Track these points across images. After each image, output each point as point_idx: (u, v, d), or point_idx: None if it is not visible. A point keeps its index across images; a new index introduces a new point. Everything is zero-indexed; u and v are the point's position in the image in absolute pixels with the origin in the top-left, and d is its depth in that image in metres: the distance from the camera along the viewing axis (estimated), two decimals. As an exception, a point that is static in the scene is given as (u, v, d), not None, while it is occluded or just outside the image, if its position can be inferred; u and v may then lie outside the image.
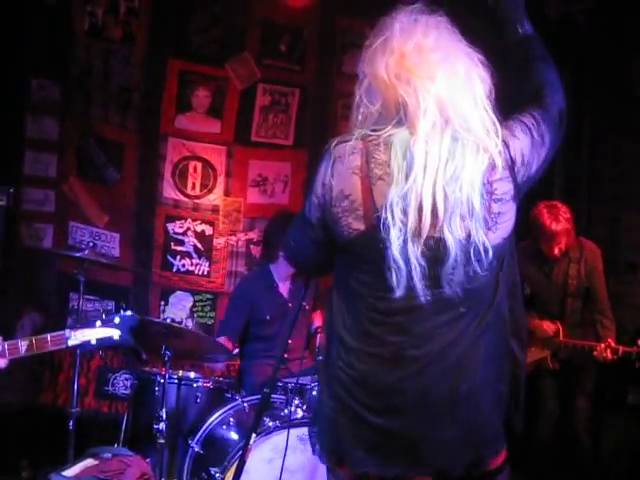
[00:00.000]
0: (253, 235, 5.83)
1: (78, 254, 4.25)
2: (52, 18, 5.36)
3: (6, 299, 4.86)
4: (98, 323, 3.25)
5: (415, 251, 1.93)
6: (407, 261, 1.92)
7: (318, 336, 4.63)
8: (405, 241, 1.92)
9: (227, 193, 5.81)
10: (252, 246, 5.84)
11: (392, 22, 2.03)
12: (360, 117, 2.05)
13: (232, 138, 5.82)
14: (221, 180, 5.78)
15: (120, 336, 3.26)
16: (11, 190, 4.84)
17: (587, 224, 5.57)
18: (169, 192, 5.69)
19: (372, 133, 2.00)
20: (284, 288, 4.72)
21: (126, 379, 5.41)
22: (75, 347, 3.24)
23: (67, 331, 3.18)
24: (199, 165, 5.76)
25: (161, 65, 5.67)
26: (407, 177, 1.93)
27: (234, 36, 5.79)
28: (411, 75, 1.97)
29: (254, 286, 4.72)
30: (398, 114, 1.98)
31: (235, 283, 5.62)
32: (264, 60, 5.85)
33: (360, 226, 1.98)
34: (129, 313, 3.31)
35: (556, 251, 4.79)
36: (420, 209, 1.92)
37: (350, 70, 5.92)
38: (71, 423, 4.22)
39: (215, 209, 5.78)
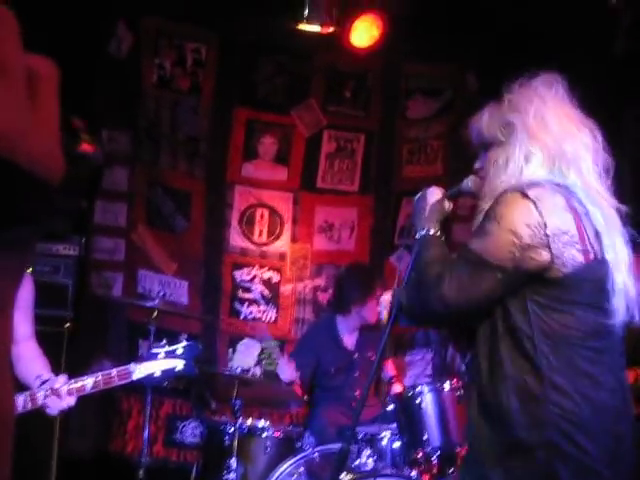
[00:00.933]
0: (320, 281, 5.82)
1: (149, 304, 4.28)
2: (122, 71, 5.50)
3: (77, 346, 4.91)
4: (161, 355, 3.26)
5: (620, 284, 2.11)
6: (618, 294, 2.10)
7: (393, 385, 4.57)
8: (614, 275, 2.10)
9: (294, 240, 5.82)
10: (319, 293, 5.82)
11: (538, 87, 2.25)
12: (511, 171, 2.19)
13: (298, 185, 5.85)
14: (288, 227, 5.80)
15: (184, 365, 3.26)
16: (82, 239, 4.94)
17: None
18: (236, 240, 5.73)
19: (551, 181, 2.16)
20: (349, 340, 4.66)
21: (195, 427, 5.40)
22: (141, 381, 3.25)
23: (132, 365, 3.21)
24: (266, 212, 5.80)
25: (227, 114, 5.76)
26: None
27: (299, 84, 5.86)
28: (561, 139, 2.19)
29: (319, 337, 4.70)
30: (551, 170, 2.17)
31: (302, 330, 5.60)
32: (329, 107, 5.89)
33: (581, 258, 2.07)
34: (191, 343, 3.31)
35: None
36: (615, 250, 2.13)
37: (414, 115, 5.93)
38: (141, 472, 4.21)
39: (282, 256, 5.80)
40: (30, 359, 3.28)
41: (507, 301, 2.08)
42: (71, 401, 3.11)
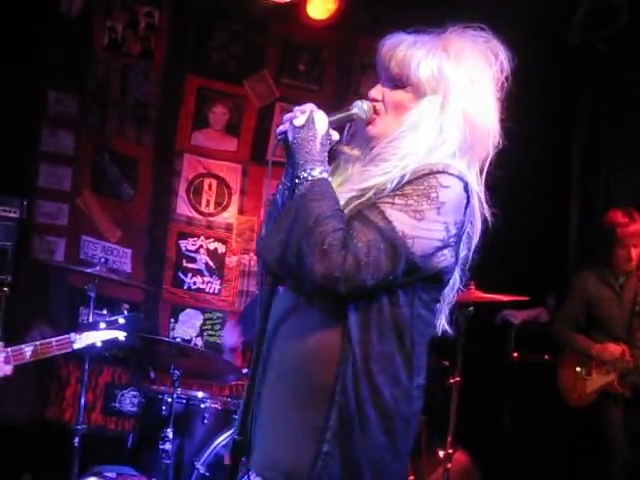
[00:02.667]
0: (266, 254, 5.79)
1: (89, 270, 4.21)
2: (72, 31, 5.36)
3: (16, 312, 4.83)
4: (102, 325, 3.24)
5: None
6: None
7: None
8: None
9: (241, 212, 5.77)
10: (265, 265, 5.80)
11: (488, 56, 1.98)
12: (425, 139, 1.91)
13: (248, 156, 5.80)
14: (236, 198, 5.75)
15: (125, 337, 3.24)
16: (24, 202, 4.83)
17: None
18: (183, 209, 5.66)
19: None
20: None
21: (134, 396, 5.36)
22: (81, 350, 3.21)
23: (72, 335, 3.17)
24: (214, 182, 5.74)
25: (179, 81, 5.66)
26: None
27: (253, 54, 5.78)
28: (483, 135, 1.98)
29: None
30: (455, 156, 1.94)
31: (245, 302, 5.58)
32: (282, 79, 5.83)
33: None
34: (133, 314, 3.28)
35: (633, 254, 4.55)
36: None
37: (367, 91, 5.90)
38: (76, 440, 4.16)
39: (229, 227, 5.75)
40: None
41: (399, 291, 1.84)
42: (8, 370, 3.06)
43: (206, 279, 5.69)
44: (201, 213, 5.70)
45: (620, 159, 5.62)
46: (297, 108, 1.91)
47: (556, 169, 5.80)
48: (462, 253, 1.92)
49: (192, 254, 5.67)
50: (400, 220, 1.77)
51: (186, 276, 5.66)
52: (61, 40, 5.32)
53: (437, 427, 4.68)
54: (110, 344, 3.28)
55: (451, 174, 1.82)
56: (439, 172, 1.81)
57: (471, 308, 4.62)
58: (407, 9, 5.50)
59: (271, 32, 5.79)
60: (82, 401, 4.18)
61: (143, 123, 5.57)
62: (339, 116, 1.96)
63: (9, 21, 5.00)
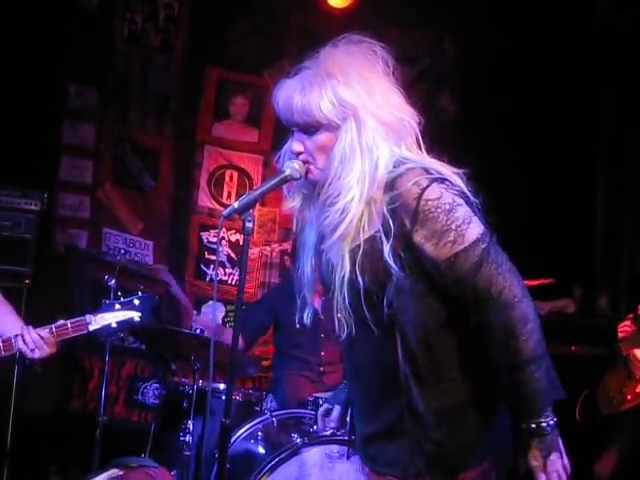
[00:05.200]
0: (287, 246, 5.75)
1: (109, 258, 4.21)
2: (92, 25, 5.37)
3: (38, 305, 4.83)
4: (117, 306, 3.20)
5: None
6: None
7: None
8: None
9: (262, 203, 5.74)
10: (286, 257, 5.76)
11: (368, 58, 2.10)
12: (362, 163, 2.01)
13: (269, 147, 5.77)
14: (257, 190, 5.73)
15: (140, 317, 3.21)
16: (45, 195, 4.83)
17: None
18: (204, 201, 5.66)
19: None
20: (315, 299, 4.60)
21: (156, 388, 5.36)
22: (97, 332, 3.19)
23: (87, 316, 3.14)
24: (235, 174, 5.72)
25: (199, 73, 5.66)
26: None
27: (273, 44, 5.76)
28: (398, 116, 2.08)
29: (282, 294, 4.61)
30: (393, 150, 2.05)
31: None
32: (302, 69, 5.79)
33: None
34: (147, 294, 3.26)
35: None
36: None
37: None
38: (98, 431, 4.16)
39: (250, 219, 5.72)
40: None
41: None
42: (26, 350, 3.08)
43: (228, 270, 5.67)
44: (222, 204, 5.68)
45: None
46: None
47: (582, 156, 5.73)
48: None
49: (214, 246, 5.66)
50: (457, 242, 1.92)
51: (208, 268, 5.65)
52: (81, 33, 5.33)
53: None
54: (125, 324, 3.24)
55: (425, 188, 1.93)
56: (420, 194, 1.93)
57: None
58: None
59: (291, 22, 5.76)
60: (103, 393, 4.18)
61: (164, 115, 5.57)
62: (275, 181, 2.07)
63: (28, 15, 5.01)
